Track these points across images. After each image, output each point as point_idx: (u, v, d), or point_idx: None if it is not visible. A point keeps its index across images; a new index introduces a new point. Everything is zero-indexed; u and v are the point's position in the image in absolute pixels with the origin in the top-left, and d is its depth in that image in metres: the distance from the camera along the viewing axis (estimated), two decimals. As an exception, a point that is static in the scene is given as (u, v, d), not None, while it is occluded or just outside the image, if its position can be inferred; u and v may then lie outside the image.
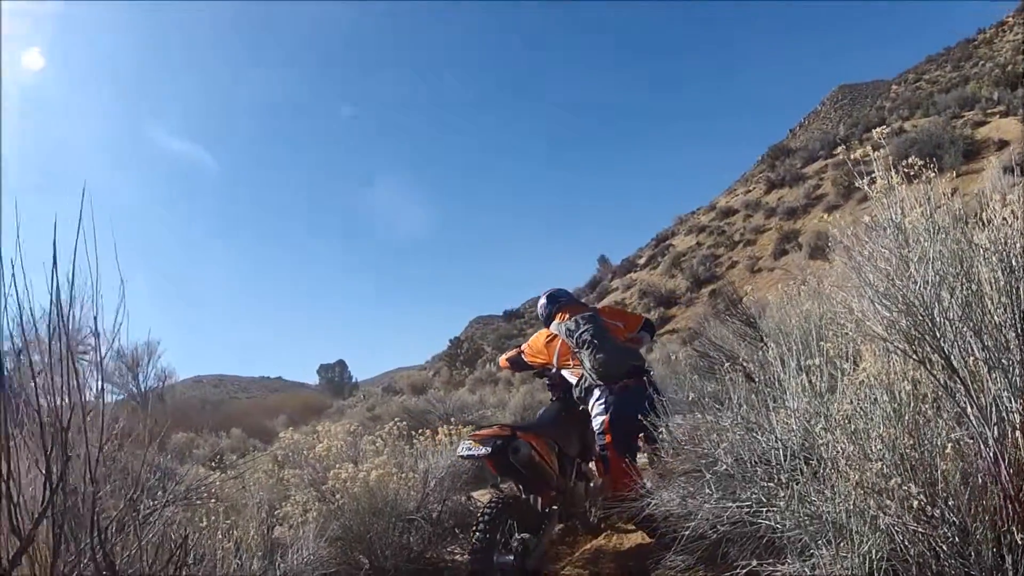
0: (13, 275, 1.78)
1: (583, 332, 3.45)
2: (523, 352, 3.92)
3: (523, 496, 3.38)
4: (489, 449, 3.14)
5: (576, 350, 3.47)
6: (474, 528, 3.03)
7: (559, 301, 3.87)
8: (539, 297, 4.08)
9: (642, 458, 3.41)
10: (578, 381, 3.48)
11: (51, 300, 1.88)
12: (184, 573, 2.30)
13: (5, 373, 1.83)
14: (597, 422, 3.33)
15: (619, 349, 3.42)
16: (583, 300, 5.46)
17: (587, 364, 3.38)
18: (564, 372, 3.62)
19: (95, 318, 1.97)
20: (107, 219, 1.84)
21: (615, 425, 3.26)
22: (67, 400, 1.87)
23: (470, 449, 3.21)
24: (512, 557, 2.99)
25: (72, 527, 1.88)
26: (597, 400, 3.35)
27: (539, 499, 3.41)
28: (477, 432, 3.37)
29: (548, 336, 3.74)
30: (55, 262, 1.83)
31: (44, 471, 1.77)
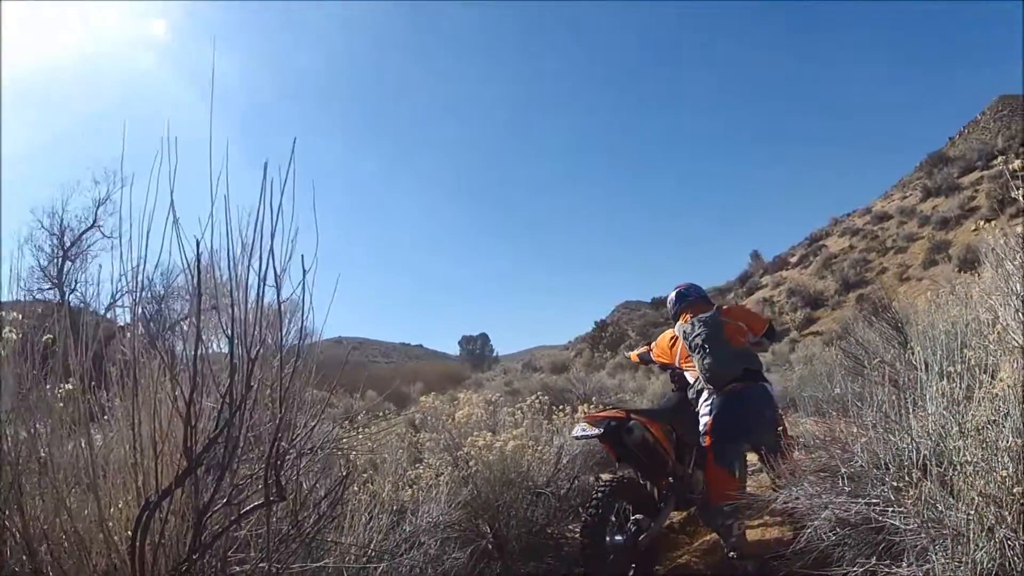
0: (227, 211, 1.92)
1: (696, 336, 3.65)
2: (651, 350, 4.29)
3: (639, 480, 3.63)
4: (602, 430, 3.44)
5: (690, 353, 3.71)
6: (587, 506, 3.32)
7: (686, 299, 4.09)
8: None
9: (755, 465, 3.59)
10: (693, 383, 3.74)
11: (257, 229, 1.97)
12: (338, 510, 2.76)
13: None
14: (702, 423, 3.58)
15: (729, 354, 3.56)
16: (731, 295, 5.60)
17: (698, 368, 3.62)
18: (685, 373, 3.88)
19: (302, 258, 2.09)
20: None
21: (717, 428, 3.49)
22: (256, 333, 2.03)
23: (584, 430, 3.52)
24: (624, 537, 3.27)
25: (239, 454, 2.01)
26: (704, 401, 3.60)
27: (655, 484, 3.65)
28: (593, 414, 3.67)
29: (671, 338, 4.03)
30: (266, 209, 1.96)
31: (225, 395, 1.88)
